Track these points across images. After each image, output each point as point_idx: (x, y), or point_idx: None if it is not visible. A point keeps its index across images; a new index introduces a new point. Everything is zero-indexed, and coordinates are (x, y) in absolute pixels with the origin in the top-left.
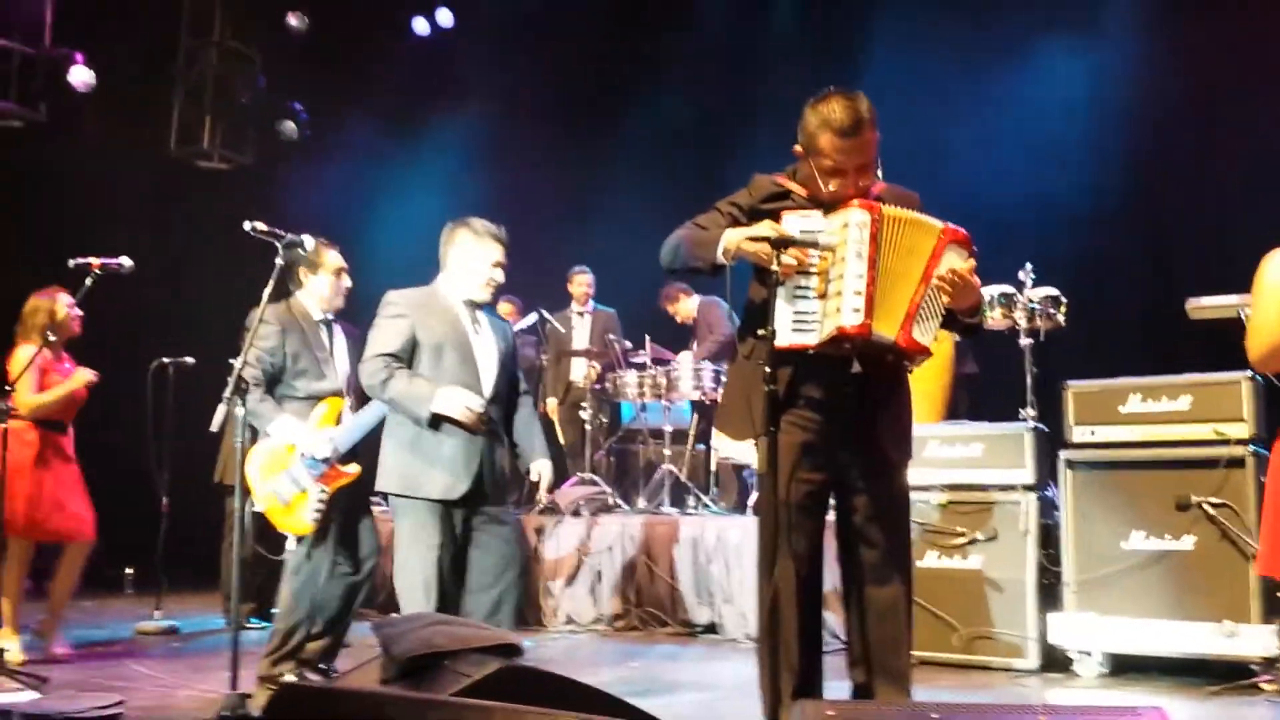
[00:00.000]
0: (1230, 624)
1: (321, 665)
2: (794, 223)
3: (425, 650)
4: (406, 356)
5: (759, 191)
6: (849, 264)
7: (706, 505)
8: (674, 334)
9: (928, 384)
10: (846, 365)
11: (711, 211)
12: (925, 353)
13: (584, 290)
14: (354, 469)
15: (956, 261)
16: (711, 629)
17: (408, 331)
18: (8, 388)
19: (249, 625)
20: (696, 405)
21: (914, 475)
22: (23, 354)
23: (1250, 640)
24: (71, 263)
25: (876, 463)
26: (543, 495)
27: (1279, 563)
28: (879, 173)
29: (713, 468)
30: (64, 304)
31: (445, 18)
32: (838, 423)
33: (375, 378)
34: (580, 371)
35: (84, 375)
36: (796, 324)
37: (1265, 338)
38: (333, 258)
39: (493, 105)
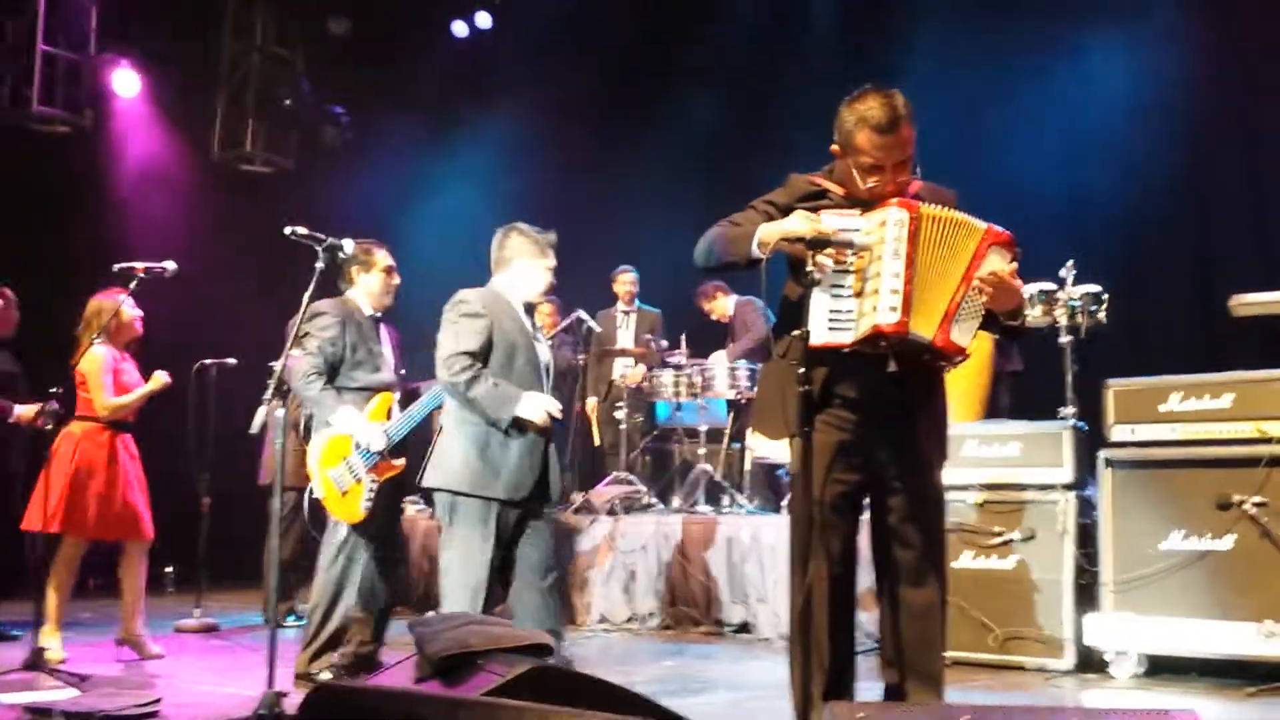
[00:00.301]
0: (1270, 624)
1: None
2: (831, 221)
3: (459, 650)
4: (484, 356)
5: (795, 190)
6: (886, 262)
7: (741, 504)
8: (710, 333)
9: (966, 383)
10: (883, 364)
11: (747, 210)
12: (962, 354)
13: (628, 289)
14: (401, 462)
15: (999, 263)
16: (745, 628)
17: (486, 331)
18: (83, 394)
19: (286, 624)
20: (732, 404)
21: (951, 474)
22: (97, 355)
23: None
24: (116, 267)
25: (913, 463)
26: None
27: None
28: (917, 170)
29: (747, 467)
30: (128, 305)
31: (484, 20)
32: (874, 422)
33: (459, 376)
34: (620, 371)
35: (160, 378)
36: (833, 322)
37: None
38: (383, 256)
39: (530, 106)
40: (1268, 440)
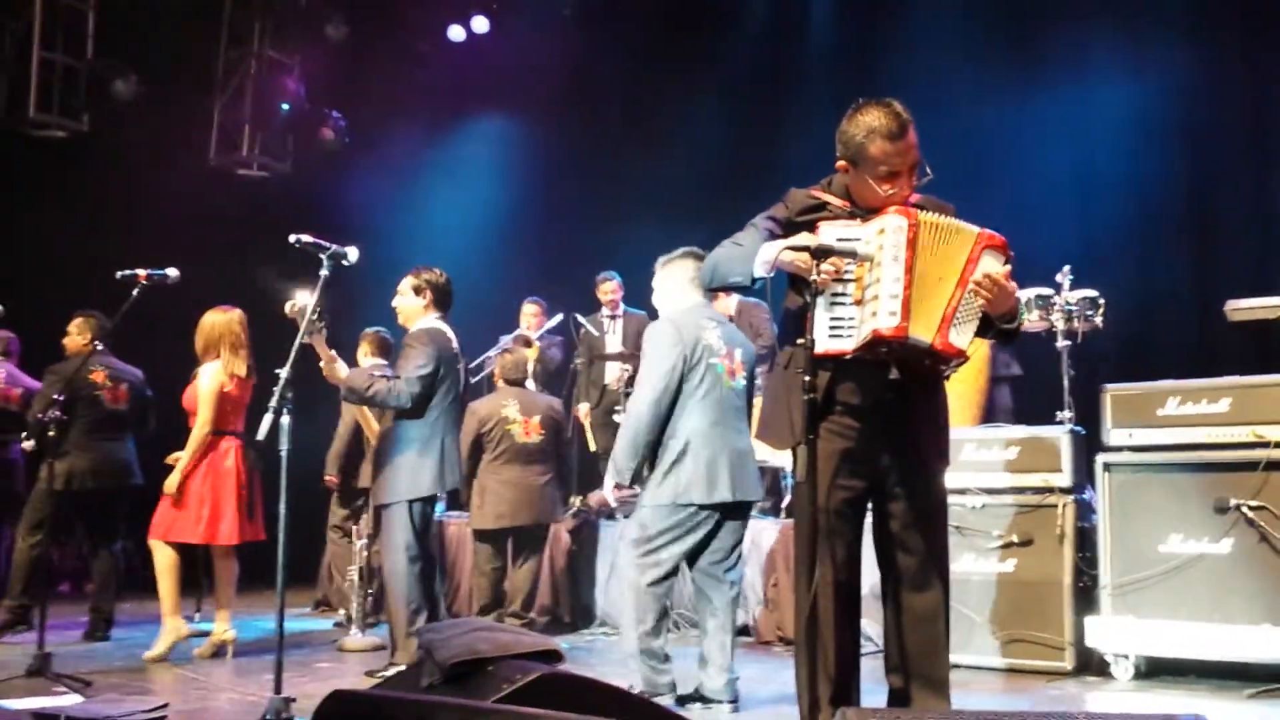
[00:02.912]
0: (1269, 627)
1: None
2: (831, 232)
3: (469, 656)
4: None
5: (795, 204)
6: (886, 268)
7: None
8: None
9: (964, 386)
10: (885, 371)
11: (748, 228)
12: (962, 356)
13: (610, 296)
14: None
15: (993, 266)
16: (745, 632)
17: None
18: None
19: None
20: None
21: (950, 478)
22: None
23: None
24: (119, 274)
25: (915, 468)
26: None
27: None
28: (928, 171)
29: None
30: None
31: (481, 25)
32: (877, 429)
33: None
34: (613, 375)
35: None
36: (833, 330)
37: None
38: None
39: (526, 112)
40: (1265, 444)
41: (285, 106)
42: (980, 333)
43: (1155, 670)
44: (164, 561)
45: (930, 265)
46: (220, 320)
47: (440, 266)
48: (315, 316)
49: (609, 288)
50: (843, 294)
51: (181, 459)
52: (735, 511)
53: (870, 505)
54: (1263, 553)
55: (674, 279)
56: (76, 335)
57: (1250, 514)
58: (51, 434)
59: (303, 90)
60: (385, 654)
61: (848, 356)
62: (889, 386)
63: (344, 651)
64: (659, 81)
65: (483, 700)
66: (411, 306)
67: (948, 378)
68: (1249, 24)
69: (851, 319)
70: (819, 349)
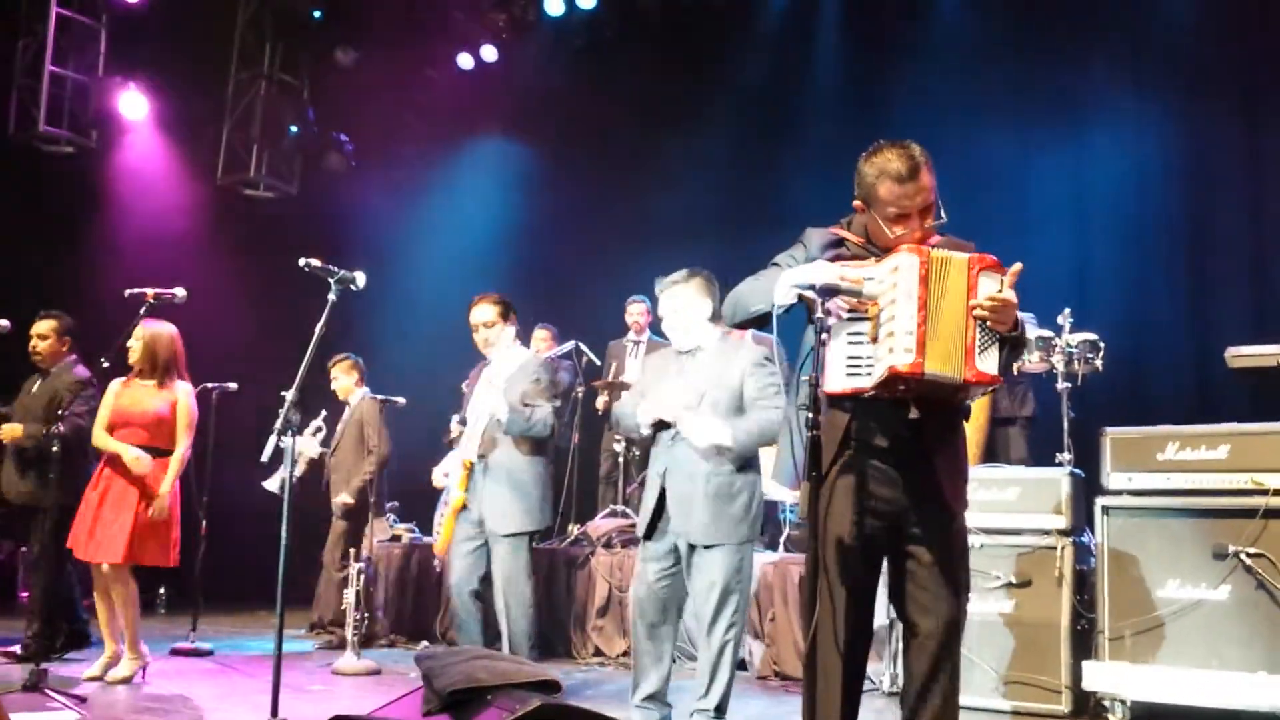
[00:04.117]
0: (1265, 674)
1: None
2: (845, 271)
3: (468, 684)
4: None
5: (813, 243)
6: (900, 305)
7: None
8: None
9: (966, 426)
10: (905, 410)
11: (769, 267)
12: (996, 380)
13: (638, 320)
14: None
15: (991, 286)
16: (741, 665)
17: None
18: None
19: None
20: None
21: None
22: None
23: None
24: (127, 292)
25: (934, 509)
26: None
27: None
28: (942, 215)
29: None
30: None
31: (490, 54)
32: (895, 468)
33: None
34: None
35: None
36: (851, 369)
37: None
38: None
39: (534, 138)
40: (1263, 491)
41: (293, 129)
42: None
43: (1151, 716)
44: (134, 588)
45: (942, 300)
46: (175, 336)
47: (446, 291)
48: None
49: (637, 310)
50: (859, 333)
51: (166, 481)
52: None
53: (887, 545)
54: (1260, 600)
55: (699, 298)
56: (55, 342)
57: (1248, 561)
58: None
59: (311, 113)
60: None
61: (866, 394)
62: (908, 425)
63: (339, 675)
64: (666, 111)
65: None
66: (505, 337)
67: (968, 413)
68: (1245, 73)
69: (870, 357)
70: (837, 387)
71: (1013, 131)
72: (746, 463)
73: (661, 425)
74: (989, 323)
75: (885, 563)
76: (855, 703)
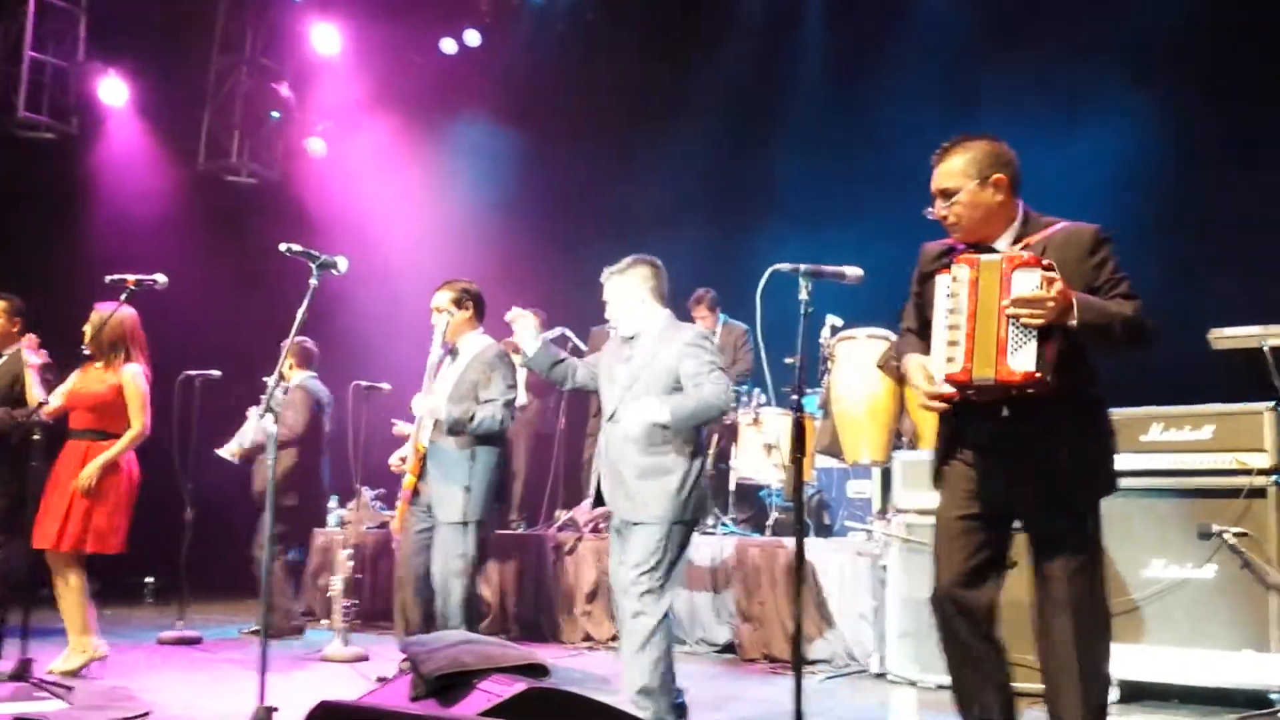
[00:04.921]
0: (1251, 653)
1: None
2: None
3: (454, 669)
4: None
5: (925, 259)
6: (959, 315)
7: (725, 525)
8: None
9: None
10: (997, 409)
11: (905, 303)
12: (1030, 379)
13: None
14: None
15: (1027, 283)
16: (729, 649)
17: None
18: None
19: None
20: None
21: (933, 501)
22: (139, 372)
23: (1271, 670)
24: (108, 278)
25: (1041, 501)
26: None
27: None
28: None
29: (731, 487)
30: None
31: (473, 38)
32: (995, 464)
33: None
34: None
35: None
36: (946, 369)
37: None
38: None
39: (516, 122)
40: (1247, 471)
41: (275, 114)
42: (1085, 352)
43: (1138, 695)
44: (75, 576)
45: (984, 303)
46: (124, 318)
47: (428, 276)
48: None
49: None
50: (948, 342)
51: (95, 462)
52: None
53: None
54: (1245, 579)
55: (639, 286)
56: (6, 323)
57: (1233, 540)
58: (36, 437)
59: (293, 98)
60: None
61: (955, 399)
62: (1000, 423)
63: (327, 661)
64: (649, 96)
65: (468, 713)
66: (459, 319)
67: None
68: (1230, 60)
69: (952, 360)
70: (939, 390)
71: (998, 120)
72: (685, 442)
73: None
74: (1021, 319)
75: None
76: (992, 688)
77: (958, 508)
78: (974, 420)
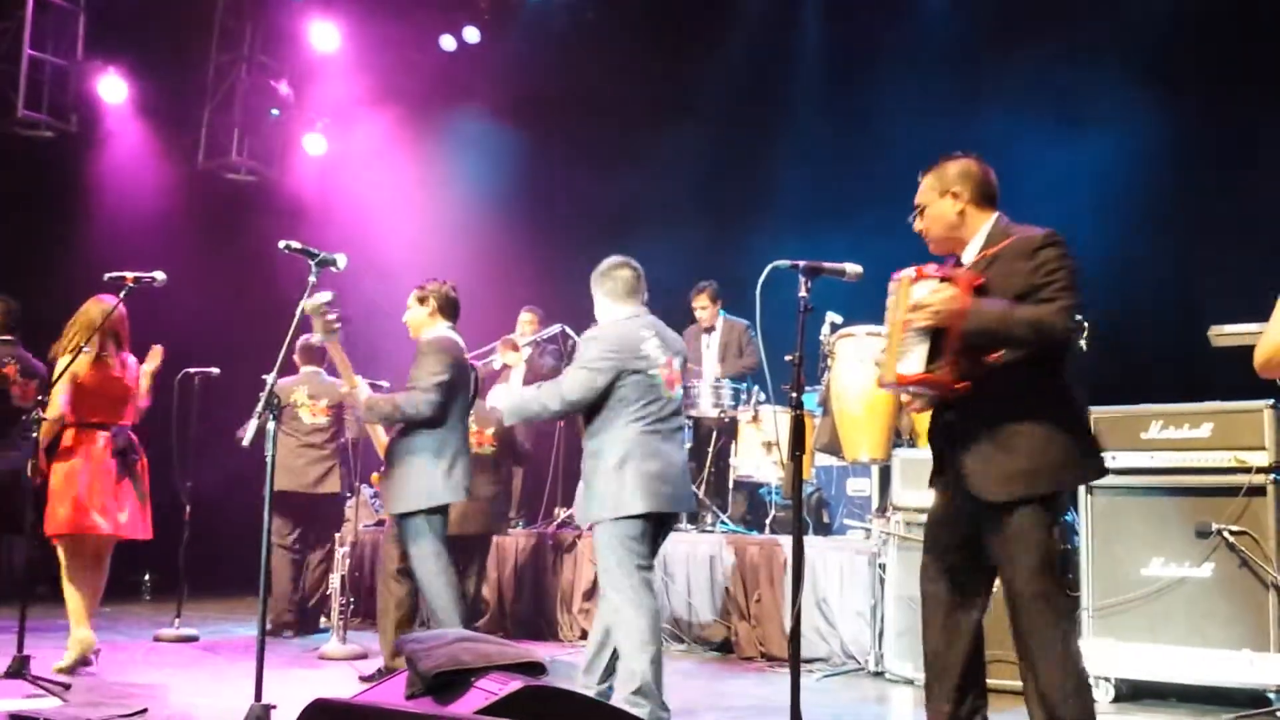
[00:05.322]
0: (1249, 652)
1: None
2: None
3: (451, 666)
4: None
5: None
6: (885, 327)
7: (724, 522)
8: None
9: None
10: (942, 410)
11: None
12: (920, 380)
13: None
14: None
15: (922, 291)
16: (727, 647)
17: None
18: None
19: None
20: (715, 422)
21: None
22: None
23: (1269, 668)
24: (106, 276)
25: (978, 503)
26: None
27: None
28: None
29: (731, 485)
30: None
31: (473, 35)
32: (944, 459)
33: None
34: None
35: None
36: None
37: (1267, 345)
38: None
39: (516, 119)
40: (1246, 469)
41: (274, 111)
42: (978, 360)
43: (1136, 693)
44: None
45: (896, 316)
46: (88, 308)
47: (427, 273)
48: (334, 319)
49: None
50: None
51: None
52: (667, 523)
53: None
54: (1243, 578)
55: (596, 290)
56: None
57: (1231, 539)
58: (35, 435)
59: (292, 96)
60: (372, 662)
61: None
62: (948, 424)
63: (325, 659)
64: (649, 95)
65: (464, 711)
66: (418, 317)
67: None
68: (1231, 56)
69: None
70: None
71: (998, 116)
72: (601, 445)
73: None
74: (921, 325)
75: None
76: (949, 668)
77: (932, 512)
78: (935, 421)
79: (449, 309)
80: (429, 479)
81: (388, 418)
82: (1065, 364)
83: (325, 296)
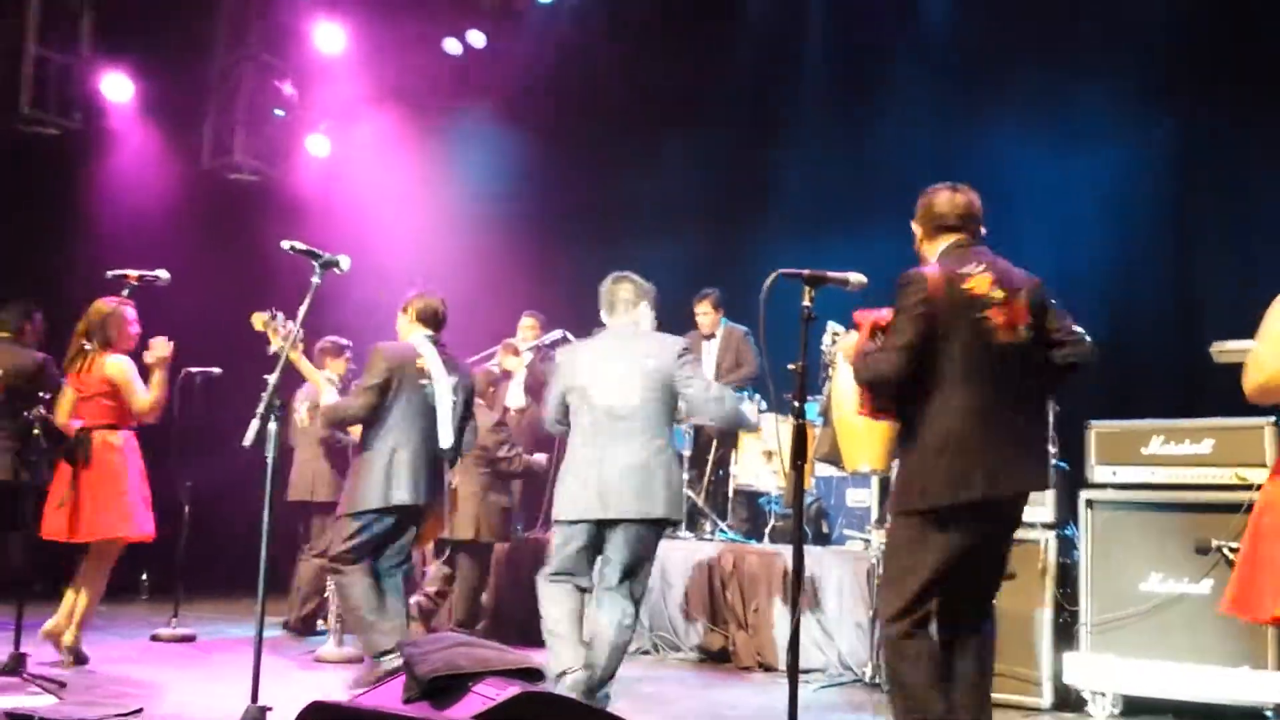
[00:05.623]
0: (1248, 669)
1: None
2: None
3: (449, 671)
4: None
5: None
6: None
7: (723, 531)
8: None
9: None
10: None
11: None
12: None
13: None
14: None
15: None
16: (724, 656)
17: None
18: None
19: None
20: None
21: None
22: (122, 361)
23: (1267, 686)
24: (109, 274)
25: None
26: None
27: (1249, 603)
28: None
29: (730, 493)
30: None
31: (477, 38)
32: None
33: None
34: None
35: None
36: None
37: (1262, 371)
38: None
39: (521, 123)
40: (1247, 486)
41: (279, 111)
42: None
43: (1133, 709)
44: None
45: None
46: (91, 310)
47: (430, 276)
48: (296, 330)
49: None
50: None
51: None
52: (614, 526)
53: None
54: None
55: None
56: None
57: (1231, 555)
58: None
59: (296, 96)
60: (365, 665)
61: None
62: None
63: (321, 662)
64: (654, 98)
65: (461, 716)
66: (400, 324)
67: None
68: (1231, 66)
69: None
70: None
71: (997, 126)
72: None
73: None
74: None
75: None
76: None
77: None
78: None
79: (427, 317)
80: (355, 486)
81: (329, 421)
82: (951, 390)
83: (263, 315)
